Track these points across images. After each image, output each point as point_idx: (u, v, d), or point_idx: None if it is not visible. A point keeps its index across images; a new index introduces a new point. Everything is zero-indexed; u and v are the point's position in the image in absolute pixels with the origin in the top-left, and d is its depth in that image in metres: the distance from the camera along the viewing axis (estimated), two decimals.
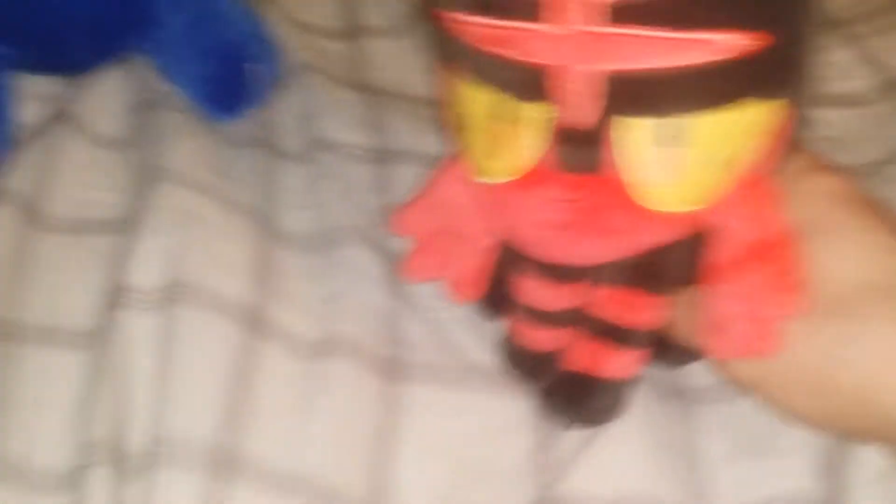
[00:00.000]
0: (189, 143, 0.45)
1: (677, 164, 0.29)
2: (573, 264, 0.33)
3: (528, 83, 0.29)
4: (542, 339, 0.37)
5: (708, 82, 0.28)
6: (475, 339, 0.41)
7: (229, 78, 0.48)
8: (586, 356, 0.37)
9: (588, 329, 0.37)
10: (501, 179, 0.31)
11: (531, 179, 0.30)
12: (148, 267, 0.39)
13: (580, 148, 0.29)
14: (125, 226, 0.42)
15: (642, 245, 0.32)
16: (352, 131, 0.48)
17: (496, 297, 0.39)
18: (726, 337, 0.32)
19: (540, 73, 0.28)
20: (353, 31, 0.56)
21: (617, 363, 0.36)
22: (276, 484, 0.35)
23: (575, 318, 0.37)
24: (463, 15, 0.29)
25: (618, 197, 0.30)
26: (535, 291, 0.36)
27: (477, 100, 0.31)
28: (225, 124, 0.48)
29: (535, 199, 0.31)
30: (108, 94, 0.48)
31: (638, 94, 0.28)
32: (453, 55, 0.32)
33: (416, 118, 0.50)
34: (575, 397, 0.37)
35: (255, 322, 0.39)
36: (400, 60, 0.55)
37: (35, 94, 0.47)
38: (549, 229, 0.31)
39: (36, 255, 0.41)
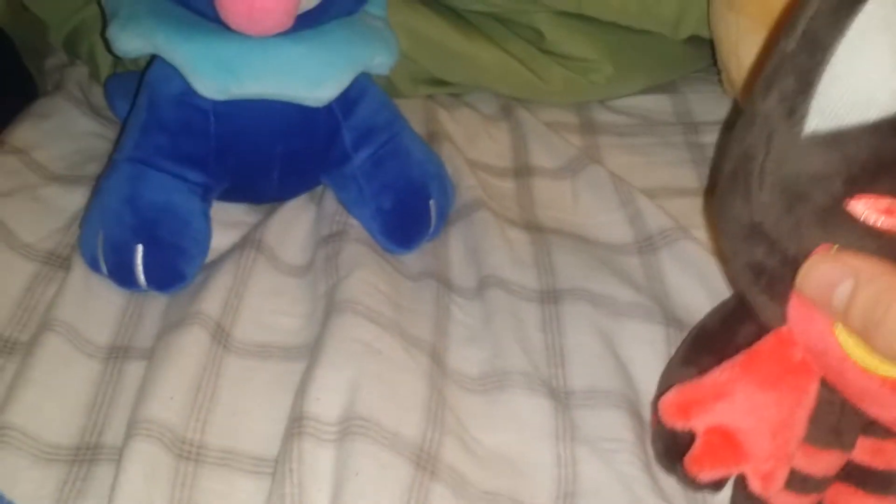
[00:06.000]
0: (368, 275, 0.46)
1: None
2: None
3: None
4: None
5: None
6: (649, 483, 0.39)
7: (408, 212, 0.49)
8: None
9: (849, 481, 0.36)
10: None
11: None
12: (327, 398, 0.39)
13: None
14: (307, 353, 0.43)
15: None
16: (521, 269, 0.49)
17: (675, 450, 0.37)
18: None
19: None
20: (521, 171, 0.57)
21: None
22: None
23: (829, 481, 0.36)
24: None
25: None
26: (814, 457, 0.35)
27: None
28: (401, 257, 0.49)
29: None
30: (294, 225, 0.50)
31: None
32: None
33: (583, 257, 0.50)
34: None
35: (427, 462, 0.38)
36: (566, 200, 0.55)
37: (227, 220, 0.50)
38: None
39: (221, 377, 0.42)
